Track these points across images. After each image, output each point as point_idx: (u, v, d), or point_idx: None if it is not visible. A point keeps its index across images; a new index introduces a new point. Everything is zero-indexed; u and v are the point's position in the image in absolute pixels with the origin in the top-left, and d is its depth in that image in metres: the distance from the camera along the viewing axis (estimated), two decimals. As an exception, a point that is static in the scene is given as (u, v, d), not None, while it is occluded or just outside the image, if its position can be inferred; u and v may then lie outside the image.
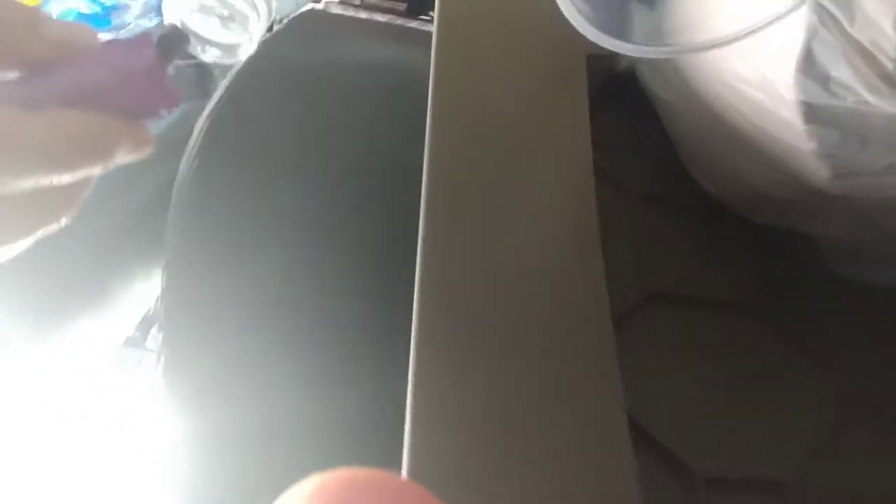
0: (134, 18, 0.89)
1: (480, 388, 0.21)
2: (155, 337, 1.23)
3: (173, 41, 0.16)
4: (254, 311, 0.31)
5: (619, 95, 0.34)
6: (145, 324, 1.18)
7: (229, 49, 0.16)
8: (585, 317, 0.24)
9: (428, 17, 0.77)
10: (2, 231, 0.13)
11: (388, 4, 0.75)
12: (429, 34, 0.67)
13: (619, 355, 0.23)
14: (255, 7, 0.16)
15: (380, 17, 0.72)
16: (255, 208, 0.34)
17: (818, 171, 0.23)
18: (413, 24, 0.74)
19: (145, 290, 0.42)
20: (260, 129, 0.37)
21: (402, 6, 0.76)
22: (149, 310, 0.47)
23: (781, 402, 0.30)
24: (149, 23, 0.91)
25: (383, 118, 0.40)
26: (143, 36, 0.15)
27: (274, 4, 0.16)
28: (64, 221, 0.15)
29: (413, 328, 0.21)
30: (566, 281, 0.25)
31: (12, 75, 0.14)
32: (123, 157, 0.15)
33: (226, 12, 0.16)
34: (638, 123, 0.35)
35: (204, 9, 0.16)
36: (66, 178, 0.14)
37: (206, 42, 0.15)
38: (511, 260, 0.25)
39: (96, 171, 0.15)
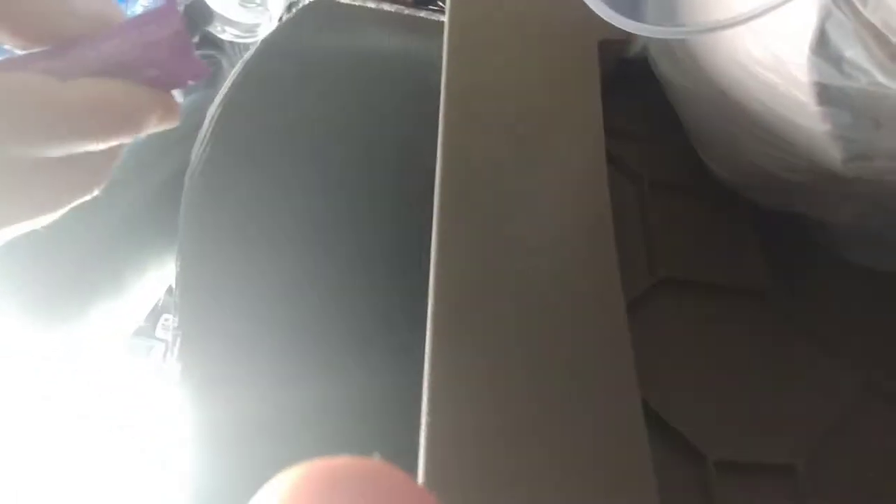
0: (142, 9, 0.89)
1: (496, 373, 0.21)
2: (164, 326, 1.24)
3: (199, 12, 0.16)
4: (268, 297, 0.31)
5: (630, 81, 0.34)
6: (154, 313, 1.19)
7: (248, 28, 0.16)
8: (599, 302, 0.24)
9: (436, 7, 0.77)
10: (36, 200, 0.14)
11: (396, -6, 0.75)
12: (437, 23, 0.67)
13: (632, 341, 0.23)
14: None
15: (388, 7, 0.72)
16: (266, 196, 0.34)
17: (831, 153, 0.23)
18: (422, 13, 0.74)
19: (158, 277, 0.43)
20: (271, 118, 0.38)
21: (411, -4, 0.75)
22: (158, 300, 0.48)
23: (792, 388, 0.30)
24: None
25: (394, 107, 0.40)
26: (170, 6, 0.16)
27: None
28: (95, 192, 0.15)
29: (429, 315, 0.21)
30: (579, 267, 0.25)
31: (43, 48, 0.14)
32: (153, 126, 0.16)
33: None
34: (649, 109, 0.35)
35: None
36: (98, 145, 0.14)
37: (225, 21, 0.15)
38: (525, 247, 0.25)
39: (127, 139, 0.15)
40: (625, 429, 0.21)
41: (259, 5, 0.16)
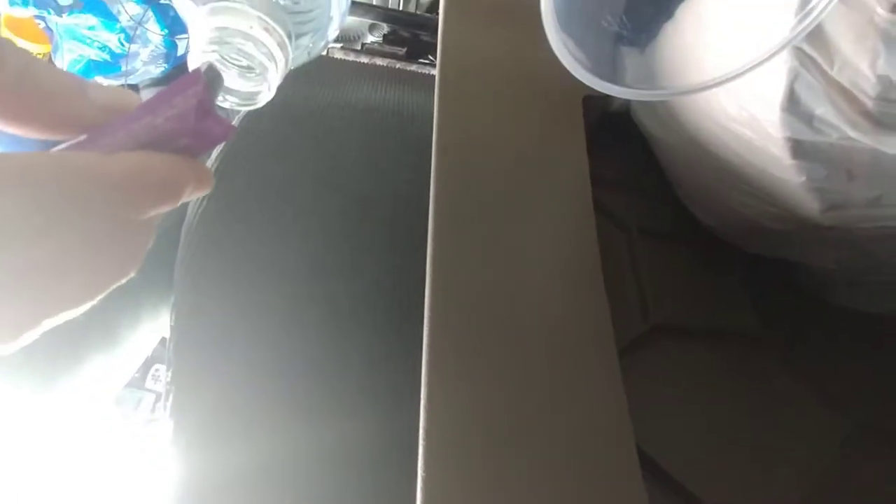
0: (142, 65, 0.91)
1: (490, 422, 0.21)
2: (155, 377, 1.21)
3: (214, 74, 0.17)
4: (262, 351, 0.31)
5: (615, 132, 0.35)
6: (145, 364, 1.17)
7: (248, 96, 0.17)
8: (591, 350, 0.24)
9: (427, 61, 0.80)
10: (74, 288, 0.13)
11: (388, 49, 0.78)
12: (428, 77, 0.69)
13: (626, 387, 0.23)
14: (272, 58, 0.17)
15: (381, 62, 0.75)
16: (262, 249, 0.35)
17: (809, 204, 0.24)
18: (412, 67, 0.76)
19: (152, 329, 0.43)
20: (267, 172, 0.39)
21: (402, 51, 0.79)
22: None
23: (787, 431, 0.30)
24: (156, 70, 0.94)
25: (388, 159, 0.41)
26: (194, 74, 0.16)
27: (290, 55, 0.17)
28: (132, 273, 0.15)
29: (423, 363, 0.22)
30: (571, 315, 0.25)
31: (73, 140, 0.14)
32: (188, 195, 0.16)
33: (244, 62, 0.17)
34: (634, 159, 0.36)
35: (222, 60, 0.17)
36: (140, 216, 0.14)
37: (226, 90, 0.16)
38: (516, 296, 0.25)
39: (165, 209, 0.15)
40: (621, 475, 0.21)
41: (258, 75, 0.17)
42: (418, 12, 0.89)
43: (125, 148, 0.15)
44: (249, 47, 0.18)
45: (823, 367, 0.32)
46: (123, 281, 0.15)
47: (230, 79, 0.19)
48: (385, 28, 0.81)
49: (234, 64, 0.19)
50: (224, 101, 0.19)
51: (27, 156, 0.12)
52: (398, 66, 0.75)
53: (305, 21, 0.20)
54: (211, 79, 0.16)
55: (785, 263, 0.32)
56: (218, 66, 0.18)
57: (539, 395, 0.22)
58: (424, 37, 0.82)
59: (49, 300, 0.13)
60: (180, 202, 0.16)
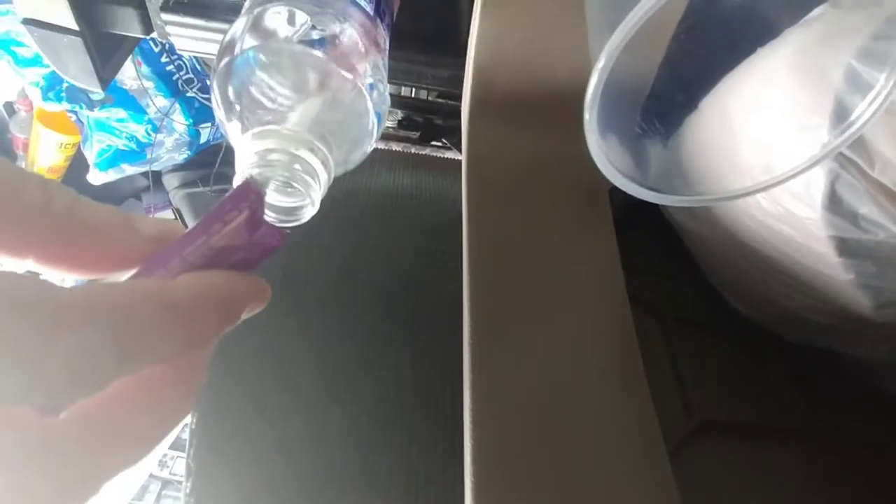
0: (166, 152, 0.95)
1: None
2: (161, 464, 1.17)
3: (261, 187, 0.17)
4: (283, 460, 0.30)
5: (645, 219, 0.35)
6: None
7: (290, 212, 0.17)
8: (641, 450, 0.23)
9: (441, 143, 0.83)
10: (136, 438, 0.12)
11: (402, 133, 0.81)
12: (441, 160, 0.70)
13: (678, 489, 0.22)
14: (316, 176, 0.17)
15: (396, 146, 0.77)
16: (284, 342, 0.34)
17: (860, 301, 0.23)
18: (426, 150, 0.79)
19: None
20: (289, 262, 0.39)
21: (416, 135, 0.81)
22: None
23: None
24: (179, 156, 0.97)
25: (407, 244, 0.41)
26: (246, 186, 0.16)
27: (333, 171, 0.18)
28: (189, 411, 0.14)
29: (467, 481, 0.20)
30: (616, 417, 0.24)
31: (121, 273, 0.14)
32: (247, 313, 0.15)
33: (287, 174, 0.17)
34: (663, 246, 0.36)
35: (265, 177, 0.17)
36: (206, 342, 0.14)
37: (269, 207, 0.16)
38: (558, 395, 0.24)
39: (226, 330, 0.14)
40: None
41: (299, 190, 0.17)
42: (430, 98, 0.93)
43: (181, 273, 0.14)
44: (295, 168, 0.18)
45: (879, 461, 0.30)
46: (180, 427, 0.13)
47: (272, 196, 0.19)
48: (399, 114, 0.85)
49: (277, 181, 0.19)
50: (267, 217, 0.19)
51: (95, 287, 0.12)
52: (413, 150, 0.77)
53: (347, 135, 0.21)
54: (258, 189, 0.16)
55: (831, 352, 0.31)
56: (261, 181, 0.18)
57: (587, 498, 0.21)
58: (437, 121, 0.85)
59: (114, 454, 0.12)
60: (240, 321, 0.15)
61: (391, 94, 0.86)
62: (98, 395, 0.11)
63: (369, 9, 0.25)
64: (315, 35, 0.21)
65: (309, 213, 0.19)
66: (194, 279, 0.14)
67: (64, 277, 0.14)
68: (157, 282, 0.13)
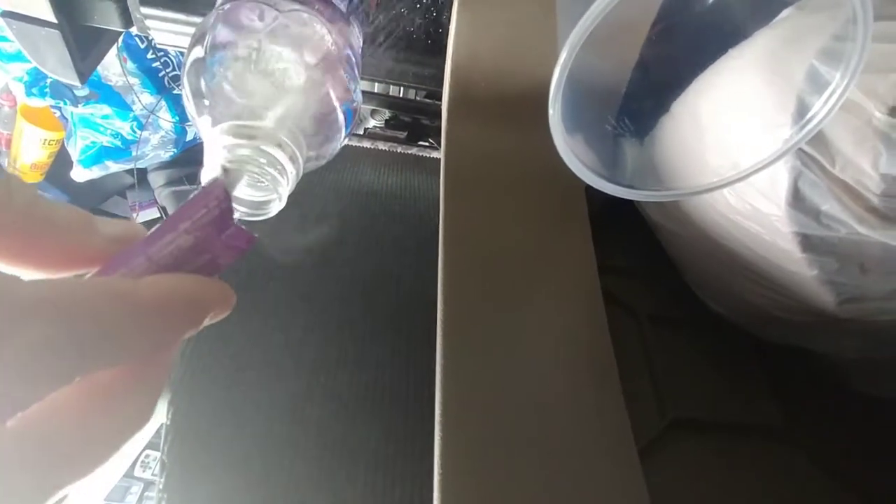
0: (152, 150, 0.94)
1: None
2: (143, 464, 1.16)
3: (230, 185, 0.16)
4: (261, 454, 0.30)
5: (620, 218, 0.35)
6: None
7: (258, 206, 0.17)
8: (611, 449, 0.23)
9: (427, 143, 0.83)
10: (96, 444, 0.12)
11: (389, 133, 0.81)
12: (428, 159, 0.70)
13: (648, 486, 0.22)
14: (284, 172, 0.17)
15: (383, 146, 0.77)
16: (264, 338, 0.34)
17: (824, 297, 0.23)
18: (413, 150, 0.79)
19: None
20: (268, 257, 0.39)
21: (403, 135, 0.81)
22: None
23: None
24: (165, 154, 0.97)
25: (391, 241, 0.42)
26: (218, 185, 0.15)
27: (301, 168, 0.18)
28: (150, 419, 0.13)
29: (436, 473, 0.20)
30: (587, 414, 0.24)
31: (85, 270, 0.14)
32: (211, 318, 0.14)
33: (255, 169, 0.17)
34: (638, 246, 0.36)
35: (234, 172, 0.17)
36: (171, 345, 0.13)
37: (236, 200, 0.16)
38: (530, 392, 0.24)
39: (190, 334, 0.14)
40: None
41: (267, 184, 0.17)
42: (418, 98, 0.93)
43: (146, 274, 0.14)
44: (262, 163, 0.18)
45: (849, 459, 0.31)
46: (139, 433, 0.13)
47: (240, 189, 0.19)
48: (387, 113, 0.85)
49: (245, 176, 0.19)
50: (235, 212, 0.19)
51: (59, 282, 0.11)
52: (399, 149, 0.77)
53: (317, 131, 0.21)
54: (227, 189, 0.16)
55: (801, 350, 0.32)
56: (230, 176, 0.18)
57: (559, 499, 0.21)
58: (424, 121, 0.85)
59: (67, 464, 0.11)
60: (203, 326, 0.14)
61: (379, 94, 0.86)
62: (50, 401, 0.11)
63: (342, 6, 0.25)
64: (285, 31, 0.21)
65: (276, 207, 0.19)
66: (160, 280, 0.13)
67: (21, 274, 0.14)
68: (122, 281, 0.13)
